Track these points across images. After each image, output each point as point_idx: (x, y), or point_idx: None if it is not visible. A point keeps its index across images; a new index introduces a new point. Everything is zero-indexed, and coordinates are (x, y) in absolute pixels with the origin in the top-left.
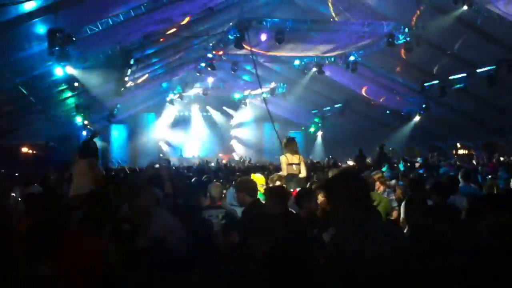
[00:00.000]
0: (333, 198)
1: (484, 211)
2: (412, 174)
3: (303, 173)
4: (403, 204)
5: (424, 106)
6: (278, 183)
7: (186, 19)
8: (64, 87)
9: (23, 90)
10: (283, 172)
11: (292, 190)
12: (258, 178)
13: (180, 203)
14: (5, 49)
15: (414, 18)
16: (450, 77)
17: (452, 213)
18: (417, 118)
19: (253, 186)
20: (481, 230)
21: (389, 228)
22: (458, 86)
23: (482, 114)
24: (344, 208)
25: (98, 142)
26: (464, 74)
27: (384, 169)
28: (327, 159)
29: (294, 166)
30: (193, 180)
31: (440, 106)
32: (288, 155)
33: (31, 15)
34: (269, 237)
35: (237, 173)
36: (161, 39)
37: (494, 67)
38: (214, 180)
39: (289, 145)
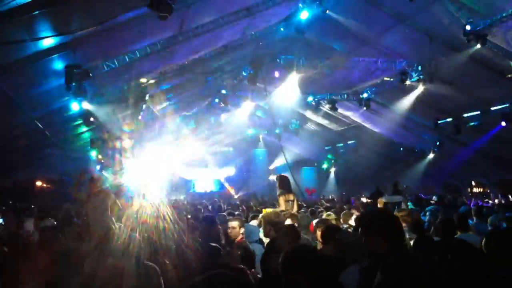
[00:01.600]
0: (373, 234)
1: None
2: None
3: (295, 209)
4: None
5: (438, 143)
6: (289, 220)
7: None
8: (80, 121)
9: (39, 125)
10: (282, 208)
11: None
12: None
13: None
14: (23, 84)
15: (427, 56)
16: (465, 115)
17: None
18: (431, 155)
19: (279, 220)
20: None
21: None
22: (472, 123)
23: (496, 151)
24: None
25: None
26: (478, 112)
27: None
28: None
29: (290, 203)
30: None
31: (454, 144)
32: (285, 193)
33: (49, 51)
34: (311, 274)
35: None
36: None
37: (508, 104)
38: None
39: (284, 183)
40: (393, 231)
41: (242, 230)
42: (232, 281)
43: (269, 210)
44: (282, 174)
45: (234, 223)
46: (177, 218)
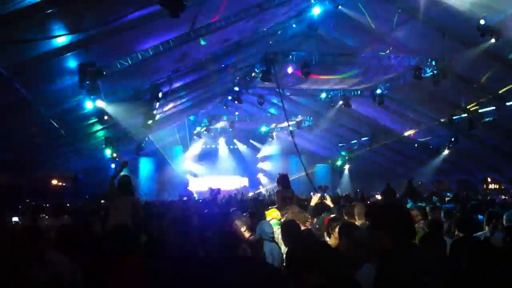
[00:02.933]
0: (379, 228)
1: None
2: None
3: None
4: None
5: (452, 139)
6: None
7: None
8: (94, 120)
9: (54, 123)
10: (278, 204)
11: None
12: (272, 211)
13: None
14: (37, 82)
15: (441, 51)
16: (479, 110)
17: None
18: (445, 152)
19: (296, 231)
20: None
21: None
22: (487, 119)
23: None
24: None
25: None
26: (493, 108)
27: (409, 205)
28: (357, 191)
29: (287, 200)
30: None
31: (469, 139)
32: (283, 190)
33: (63, 49)
34: (323, 272)
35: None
36: (189, 73)
37: None
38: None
39: (283, 181)
40: (400, 227)
41: (244, 228)
42: None
43: (271, 211)
44: (282, 173)
45: (236, 221)
46: None
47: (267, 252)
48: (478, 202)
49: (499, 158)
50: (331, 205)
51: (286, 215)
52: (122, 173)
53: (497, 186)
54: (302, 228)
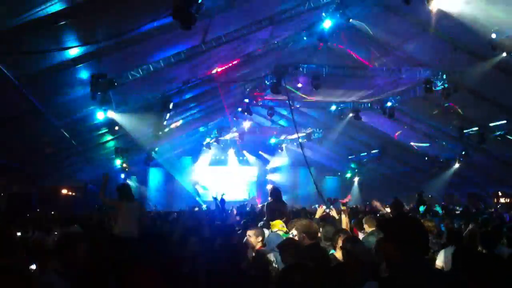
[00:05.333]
0: (390, 241)
1: None
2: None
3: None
4: (443, 251)
5: (463, 153)
6: (294, 231)
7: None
8: (105, 130)
9: (65, 133)
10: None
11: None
12: (278, 222)
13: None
14: (49, 93)
15: (452, 64)
16: (490, 124)
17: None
18: (456, 165)
19: (315, 230)
20: None
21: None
22: (498, 133)
23: None
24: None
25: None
26: (504, 121)
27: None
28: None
29: (276, 212)
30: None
31: (480, 153)
32: (273, 202)
33: (75, 60)
34: None
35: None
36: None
37: None
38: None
39: (275, 194)
40: (412, 240)
41: (260, 238)
42: None
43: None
44: (274, 185)
45: (249, 232)
46: None
47: (279, 263)
48: (489, 216)
49: (510, 172)
50: (337, 217)
51: (294, 227)
52: (123, 181)
53: (508, 200)
54: (309, 242)
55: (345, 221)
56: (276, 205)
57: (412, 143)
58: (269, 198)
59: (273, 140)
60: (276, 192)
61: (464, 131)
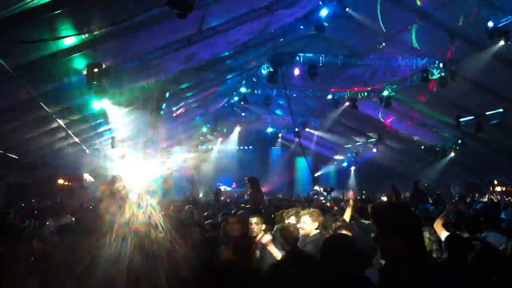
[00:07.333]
0: (389, 232)
1: None
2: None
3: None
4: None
5: (459, 141)
6: (292, 218)
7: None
8: (101, 120)
9: (61, 123)
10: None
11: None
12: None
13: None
14: (45, 82)
15: (449, 53)
16: (487, 113)
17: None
18: (452, 154)
19: (295, 235)
20: None
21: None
22: (495, 121)
23: None
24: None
25: None
26: (501, 110)
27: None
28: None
29: (257, 203)
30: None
31: (476, 142)
32: (253, 192)
33: (70, 50)
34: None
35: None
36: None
37: None
38: None
39: (253, 183)
40: (412, 231)
41: (264, 226)
42: None
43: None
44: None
45: (254, 219)
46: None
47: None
48: (484, 205)
49: (506, 161)
50: (336, 208)
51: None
52: None
53: (504, 189)
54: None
55: (348, 213)
56: (257, 196)
57: (408, 133)
58: (251, 188)
59: (269, 130)
60: (257, 182)
61: (461, 119)
